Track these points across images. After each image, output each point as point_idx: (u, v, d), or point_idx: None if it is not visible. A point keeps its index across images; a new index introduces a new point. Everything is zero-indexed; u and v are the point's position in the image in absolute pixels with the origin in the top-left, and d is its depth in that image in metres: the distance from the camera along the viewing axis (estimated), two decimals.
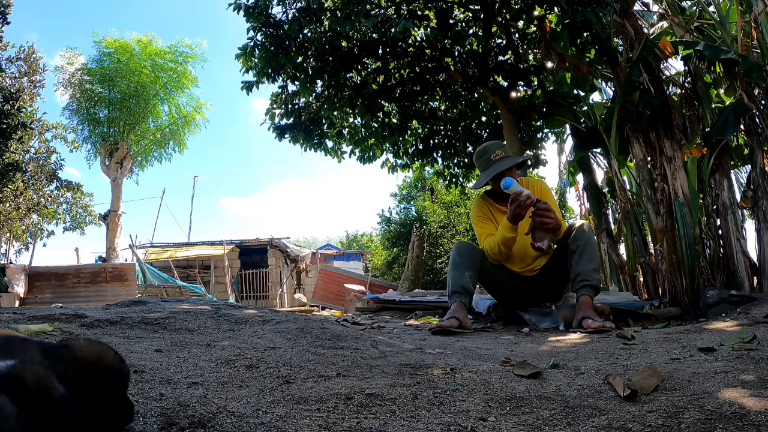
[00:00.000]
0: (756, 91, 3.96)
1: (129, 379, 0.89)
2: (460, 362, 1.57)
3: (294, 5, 5.27)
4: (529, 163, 6.19)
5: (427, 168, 7.53)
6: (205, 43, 18.85)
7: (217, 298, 12.03)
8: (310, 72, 5.41)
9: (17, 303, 9.48)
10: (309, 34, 5.31)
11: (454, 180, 7.10)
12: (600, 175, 5.56)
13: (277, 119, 6.04)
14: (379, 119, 6.22)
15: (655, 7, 5.48)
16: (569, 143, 6.54)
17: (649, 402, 1.07)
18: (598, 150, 5.33)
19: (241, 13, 5.06)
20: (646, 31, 4.69)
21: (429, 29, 5.61)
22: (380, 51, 5.54)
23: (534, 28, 5.81)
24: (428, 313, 3.68)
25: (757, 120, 3.97)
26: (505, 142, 5.38)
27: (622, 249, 5.00)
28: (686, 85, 4.51)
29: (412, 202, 19.27)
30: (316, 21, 5.23)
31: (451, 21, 5.72)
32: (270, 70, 5.36)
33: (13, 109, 11.00)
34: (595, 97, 5.76)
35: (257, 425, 0.93)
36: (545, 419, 1.01)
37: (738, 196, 4.22)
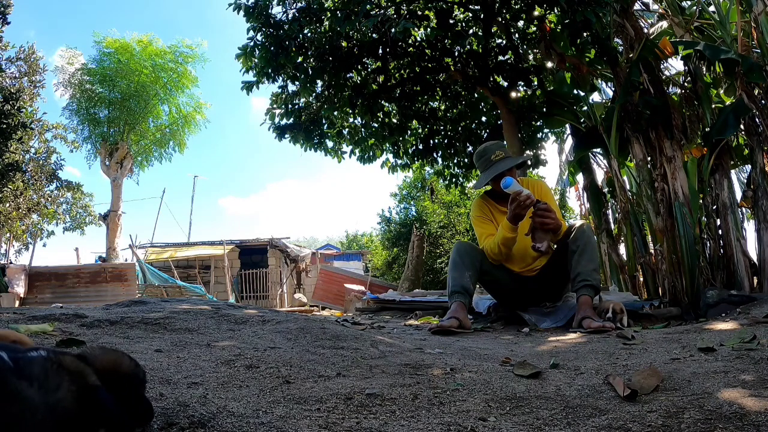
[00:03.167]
0: (756, 91, 3.96)
1: (146, 381, 0.93)
2: (460, 362, 1.57)
3: (294, 5, 5.27)
4: (529, 163, 6.19)
5: (427, 168, 7.54)
6: (206, 43, 18.86)
7: (217, 298, 12.03)
8: (310, 72, 5.41)
9: (17, 303, 9.48)
10: (309, 34, 5.31)
11: (454, 180, 7.10)
12: (600, 175, 5.56)
13: (277, 119, 6.04)
14: (379, 119, 6.22)
15: (655, 7, 5.49)
16: (569, 143, 6.54)
17: (649, 402, 1.07)
18: (598, 150, 5.33)
19: (241, 13, 5.06)
20: (646, 31, 4.69)
21: (429, 29, 5.61)
22: (380, 51, 5.54)
23: (534, 28, 5.81)
24: (428, 313, 3.68)
25: (757, 120, 3.97)
26: (505, 142, 5.38)
27: (622, 249, 5.00)
28: (686, 85, 4.51)
29: (412, 202, 19.29)
30: (316, 21, 5.22)
31: (451, 21, 5.72)
32: (270, 70, 5.36)
33: (13, 109, 11.00)
34: (595, 97, 5.76)
35: (257, 425, 0.93)
36: (545, 419, 1.01)
37: (738, 196, 4.22)
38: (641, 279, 4.62)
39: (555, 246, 2.81)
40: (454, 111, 6.54)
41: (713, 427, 0.90)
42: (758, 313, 2.53)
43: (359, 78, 5.87)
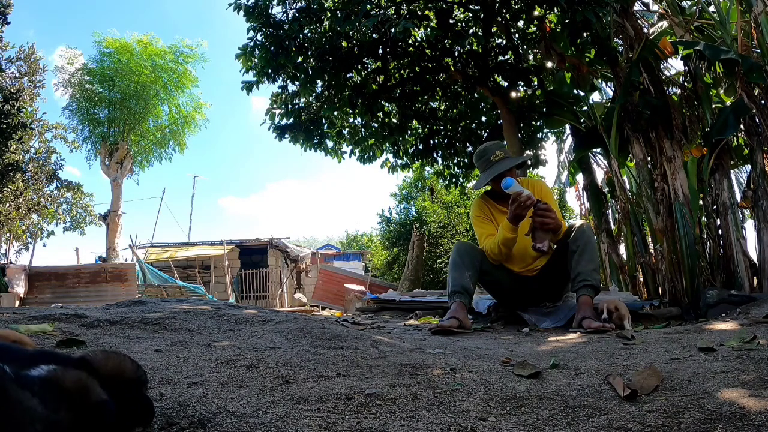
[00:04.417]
0: (756, 91, 3.96)
1: (147, 382, 0.95)
2: (460, 362, 1.57)
3: (294, 5, 5.27)
4: (529, 163, 6.19)
5: (427, 168, 7.54)
6: (206, 43, 18.92)
7: (217, 298, 12.03)
8: (310, 72, 5.41)
9: (17, 303, 9.48)
10: (309, 34, 5.31)
11: (454, 180, 7.10)
12: (600, 175, 5.56)
13: (277, 119, 6.05)
14: (379, 119, 6.22)
15: (655, 7, 5.49)
16: (569, 143, 6.55)
17: (649, 402, 1.07)
18: (598, 150, 5.33)
19: (241, 13, 5.06)
20: (646, 31, 4.69)
21: (429, 29, 5.61)
22: (380, 51, 5.54)
23: (534, 28, 5.81)
24: (428, 313, 3.68)
25: (757, 120, 3.97)
26: (505, 143, 5.38)
27: (622, 249, 5.00)
28: (686, 85, 4.51)
29: (412, 202, 19.28)
30: (316, 21, 5.23)
31: (451, 21, 5.72)
32: (270, 70, 5.36)
33: (13, 109, 10.99)
34: (595, 97, 5.77)
35: (257, 425, 0.93)
36: (545, 419, 1.01)
37: (738, 196, 4.22)
38: (641, 279, 4.62)
39: (555, 246, 2.81)
40: (454, 111, 6.54)
41: (713, 427, 0.90)
42: (758, 313, 2.53)
43: (359, 78, 5.87)
